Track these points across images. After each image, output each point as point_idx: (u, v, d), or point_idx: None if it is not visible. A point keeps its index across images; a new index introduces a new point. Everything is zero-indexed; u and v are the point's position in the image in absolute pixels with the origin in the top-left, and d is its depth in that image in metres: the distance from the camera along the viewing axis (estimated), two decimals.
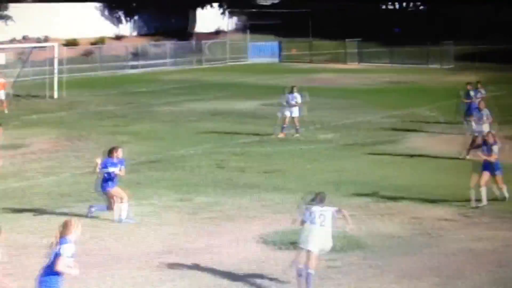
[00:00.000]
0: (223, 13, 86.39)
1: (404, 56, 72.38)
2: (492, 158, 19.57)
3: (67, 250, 10.67)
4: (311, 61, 75.43)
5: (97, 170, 17.76)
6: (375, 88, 49.57)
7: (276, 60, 75.99)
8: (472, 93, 31.45)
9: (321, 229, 12.92)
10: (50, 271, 10.74)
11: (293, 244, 15.22)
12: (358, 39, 74.74)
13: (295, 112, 30.09)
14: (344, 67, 69.21)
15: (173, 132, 31.75)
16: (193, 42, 75.75)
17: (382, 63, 72.60)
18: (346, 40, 74.61)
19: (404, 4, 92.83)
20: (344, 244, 15.70)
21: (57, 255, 10.66)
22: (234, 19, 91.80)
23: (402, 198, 20.10)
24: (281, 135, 29.52)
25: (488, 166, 19.66)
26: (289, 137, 29.67)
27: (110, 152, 18.00)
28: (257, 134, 30.45)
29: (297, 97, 30.33)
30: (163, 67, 66.90)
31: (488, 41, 76.03)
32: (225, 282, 13.82)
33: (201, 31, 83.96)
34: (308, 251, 12.96)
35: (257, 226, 17.42)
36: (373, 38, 76.11)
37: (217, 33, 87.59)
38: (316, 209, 12.97)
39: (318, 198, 13.15)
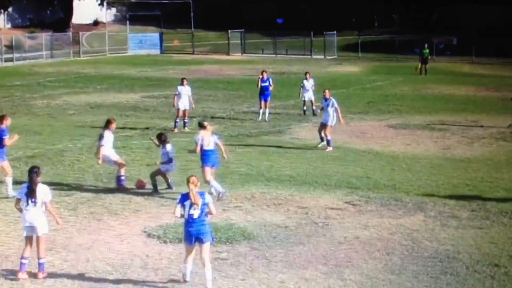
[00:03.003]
0: (101, 3, 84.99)
1: (288, 47, 73.27)
2: None
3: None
4: (193, 52, 75.31)
5: None
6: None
7: (157, 51, 75.47)
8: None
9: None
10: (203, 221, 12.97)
11: (178, 238, 15.14)
12: (241, 29, 75.06)
13: (186, 105, 29.89)
14: (228, 58, 69.45)
15: (51, 126, 30.98)
16: (70, 33, 74.23)
17: (266, 54, 73.27)
18: (229, 31, 74.81)
19: None
20: (231, 236, 15.69)
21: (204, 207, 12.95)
22: (113, 10, 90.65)
23: (288, 188, 20.27)
24: (176, 130, 29.13)
25: None
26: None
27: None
28: (139, 127, 30.12)
29: (188, 90, 30.16)
30: (39, 59, 65.35)
31: (371, 32, 77.92)
32: (109, 277, 13.54)
33: (79, 23, 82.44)
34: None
35: (141, 220, 17.19)
36: (256, 28, 76.64)
37: (96, 24, 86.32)
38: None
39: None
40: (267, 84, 32.73)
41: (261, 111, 32.52)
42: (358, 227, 16.81)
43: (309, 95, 34.11)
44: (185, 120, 29.98)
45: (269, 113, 32.50)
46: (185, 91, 30.06)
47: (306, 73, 35.37)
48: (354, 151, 25.76)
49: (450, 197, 19.37)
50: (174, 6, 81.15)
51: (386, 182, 21.10)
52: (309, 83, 34.05)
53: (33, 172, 13.54)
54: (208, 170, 19.08)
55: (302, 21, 78.94)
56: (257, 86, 33.27)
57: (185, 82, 30.37)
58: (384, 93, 42.55)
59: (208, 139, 19.17)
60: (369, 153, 25.36)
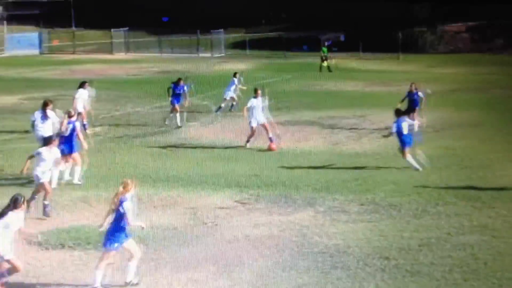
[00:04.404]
0: None
1: (174, 45, 73.05)
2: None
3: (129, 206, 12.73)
4: (74, 52, 74.16)
5: None
6: (144, 79, 49.57)
7: (36, 52, 73.94)
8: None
9: None
10: (117, 226, 12.79)
11: (61, 244, 14.91)
12: (125, 28, 74.41)
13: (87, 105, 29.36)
14: (111, 58, 68.72)
15: None
16: None
17: (151, 52, 72.86)
18: (112, 29, 74.02)
19: None
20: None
21: (122, 213, 12.68)
22: None
23: (176, 189, 20.22)
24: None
25: None
26: None
27: None
28: (18, 131, 29.44)
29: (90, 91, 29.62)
30: None
31: (259, 29, 78.54)
32: None
33: None
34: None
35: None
36: (140, 27, 76.12)
37: None
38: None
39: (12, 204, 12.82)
40: (181, 91, 31.44)
41: (174, 115, 31.10)
42: (248, 226, 16.92)
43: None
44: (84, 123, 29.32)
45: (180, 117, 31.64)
46: (85, 94, 29.40)
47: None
48: (243, 150, 25.91)
49: (340, 192, 19.72)
50: (54, 4, 79.71)
51: (275, 179, 21.31)
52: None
53: None
54: None
55: (189, 18, 78.85)
56: (168, 94, 31.57)
57: (86, 85, 29.56)
58: (273, 90, 42.68)
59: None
60: (258, 151, 25.57)
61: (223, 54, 70.63)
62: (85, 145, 20.84)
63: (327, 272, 13.94)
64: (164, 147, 26.37)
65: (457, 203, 18.62)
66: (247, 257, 14.80)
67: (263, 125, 26.15)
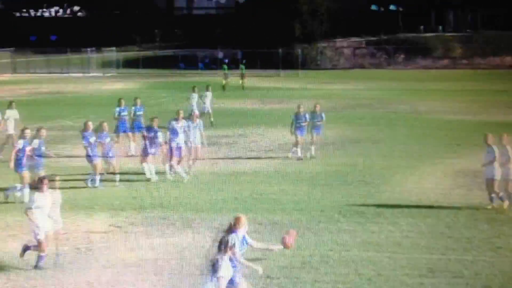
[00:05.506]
0: None
1: (63, 65, 72.02)
2: None
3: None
4: None
5: None
6: (30, 100, 48.45)
7: None
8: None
9: None
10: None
11: None
12: (11, 48, 72.92)
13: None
14: None
15: None
16: None
17: (40, 72, 71.48)
18: None
19: (60, 10, 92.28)
20: None
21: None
22: None
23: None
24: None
25: None
26: None
27: None
28: None
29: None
30: None
31: (153, 47, 78.28)
32: None
33: None
34: None
35: None
36: (28, 46, 74.73)
37: None
38: None
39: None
40: (141, 112, 30.29)
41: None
42: (124, 250, 16.61)
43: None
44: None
45: None
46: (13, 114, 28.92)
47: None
48: (123, 172, 25.34)
49: (220, 212, 19.60)
50: None
51: (152, 201, 21.06)
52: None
53: None
54: None
55: (79, 36, 77.91)
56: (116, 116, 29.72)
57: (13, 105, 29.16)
58: (166, 109, 42.31)
59: None
60: (135, 173, 25.09)
61: (114, 73, 69.86)
62: None
63: None
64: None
65: (340, 219, 18.80)
66: (124, 282, 14.52)
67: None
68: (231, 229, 12.26)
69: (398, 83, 61.52)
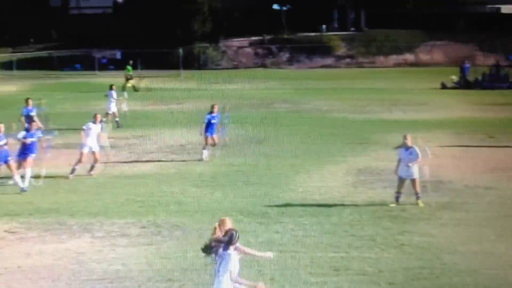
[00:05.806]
0: None
1: None
2: None
3: None
4: None
5: None
6: None
7: None
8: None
9: None
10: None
11: None
12: None
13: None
14: None
15: None
16: None
17: None
18: None
19: None
20: None
21: None
22: None
23: None
24: None
25: None
26: None
27: None
28: None
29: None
30: None
31: (28, 48, 76.59)
32: None
33: None
34: None
35: None
36: None
37: None
38: None
39: None
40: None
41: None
42: (19, 256, 16.14)
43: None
44: None
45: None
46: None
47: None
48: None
49: (119, 215, 19.23)
50: None
51: (49, 206, 20.53)
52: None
53: None
54: None
55: None
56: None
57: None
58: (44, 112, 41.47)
59: None
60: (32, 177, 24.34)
61: None
62: None
63: None
64: None
65: (243, 220, 18.62)
66: None
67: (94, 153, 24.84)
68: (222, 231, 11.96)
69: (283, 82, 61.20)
